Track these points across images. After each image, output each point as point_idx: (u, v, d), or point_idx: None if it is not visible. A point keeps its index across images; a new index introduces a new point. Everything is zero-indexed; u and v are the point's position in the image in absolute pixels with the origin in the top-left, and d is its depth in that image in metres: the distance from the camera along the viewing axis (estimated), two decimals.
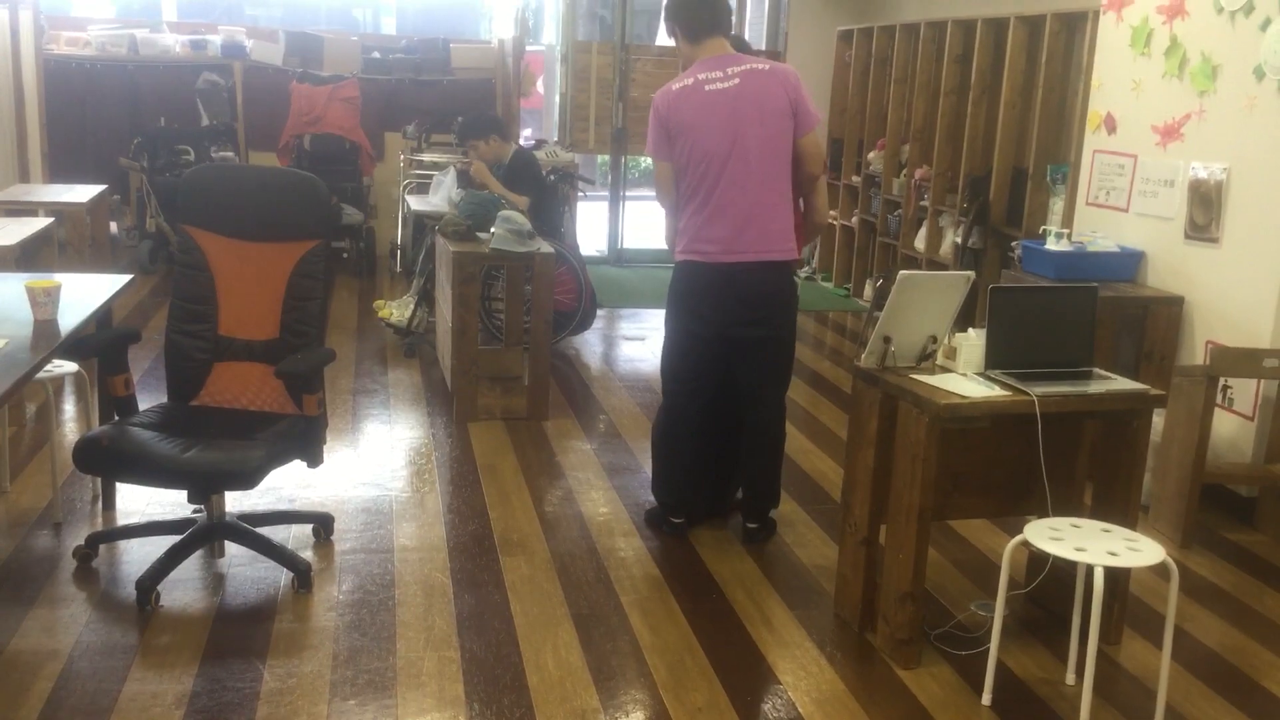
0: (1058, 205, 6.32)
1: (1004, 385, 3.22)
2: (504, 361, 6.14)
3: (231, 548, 3.82)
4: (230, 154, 8.89)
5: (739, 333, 4.00)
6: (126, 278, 4.14)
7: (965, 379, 3.28)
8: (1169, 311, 4.90)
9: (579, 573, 3.84)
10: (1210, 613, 3.79)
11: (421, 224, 7.90)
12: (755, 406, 4.13)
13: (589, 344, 7.14)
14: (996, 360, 3.33)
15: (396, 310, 6.74)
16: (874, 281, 8.45)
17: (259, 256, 3.79)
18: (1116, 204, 5.36)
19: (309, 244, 3.78)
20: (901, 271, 3.24)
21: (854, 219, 8.98)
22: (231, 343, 3.82)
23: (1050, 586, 3.63)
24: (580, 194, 8.49)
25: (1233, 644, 3.59)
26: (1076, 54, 6.34)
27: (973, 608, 3.70)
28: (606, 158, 10.19)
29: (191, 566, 3.70)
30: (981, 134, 7.14)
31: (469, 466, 4.79)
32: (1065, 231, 5.32)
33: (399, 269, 8.89)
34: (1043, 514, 3.45)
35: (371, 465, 4.74)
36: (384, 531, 4.08)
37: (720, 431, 4.22)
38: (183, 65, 9.33)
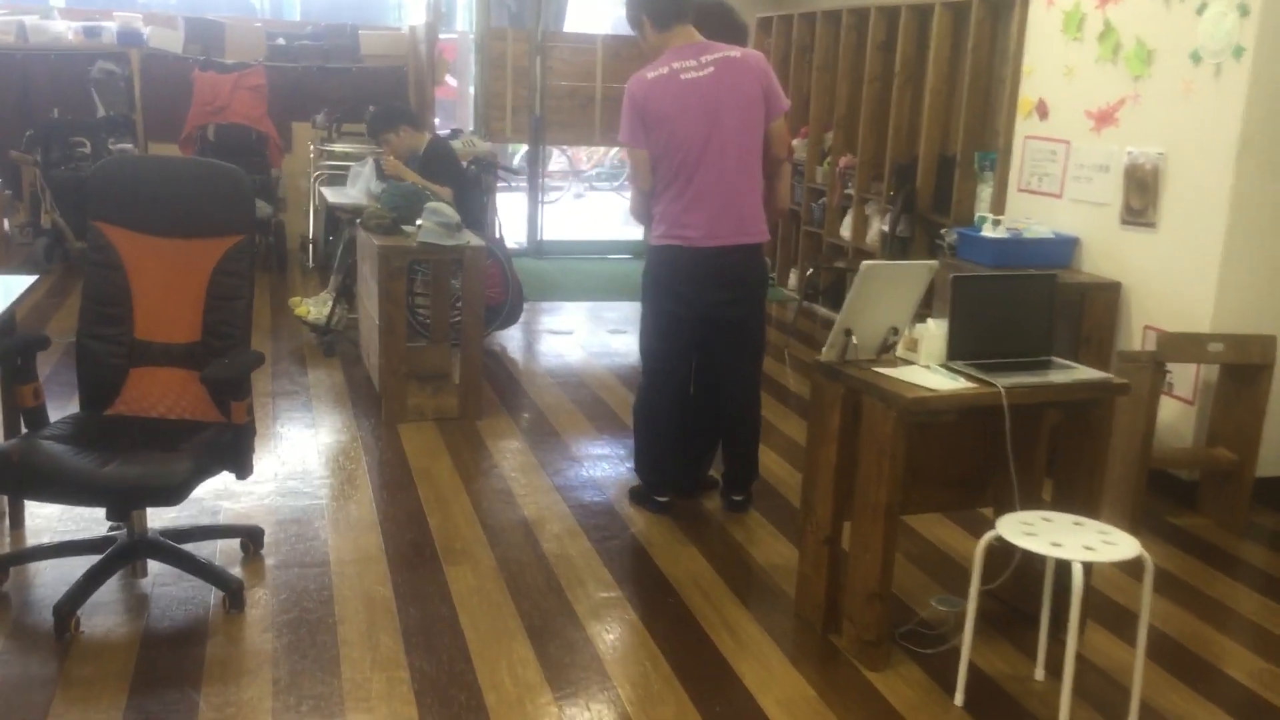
0: (986, 192, 6.30)
1: (969, 377, 3.14)
2: (431, 359, 5.93)
3: (155, 566, 3.57)
4: (129, 146, 8.48)
5: (717, 313, 4.08)
6: (29, 279, 3.86)
7: (929, 371, 3.19)
8: (1106, 297, 4.89)
9: (528, 580, 3.67)
10: (1165, 599, 3.77)
11: (335, 217, 7.64)
12: (733, 384, 4.24)
13: (514, 339, 6.95)
14: (959, 351, 3.25)
15: (314, 308, 6.47)
16: (803, 272, 8.40)
17: (177, 254, 3.55)
18: (1049, 190, 5.35)
19: (231, 240, 3.54)
20: (865, 262, 3.14)
21: None
22: (149, 347, 3.56)
23: (1010, 580, 3.57)
24: (505, 184, 8.26)
25: (1191, 631, 3.56)
26: (1002, 40, 6.32)
27: (934, 603, 3.62)
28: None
29: (112, 588, 3.45)
30: (906, 121, 7.11)
31: (402, 470, 4.58)
32: (1000, 219, 5.28)
33: (311, 264, 8.59)
34: (1005, 507, 3.38)
35: (298, 472, 4.51)
36: (317, 543, 3.87)
37: (694, 413, 4.32)
38: (76, 53, 8.87)
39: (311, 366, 6.02)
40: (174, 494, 3.14)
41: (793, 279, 8.60)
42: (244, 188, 3.58)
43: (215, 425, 3.46)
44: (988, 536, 2.94)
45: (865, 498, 3.16)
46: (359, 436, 4.95)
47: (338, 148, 8.61)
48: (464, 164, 6.81)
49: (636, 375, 6.12)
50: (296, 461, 4.62)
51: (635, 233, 10.61)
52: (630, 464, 4.69)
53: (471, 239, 5.24)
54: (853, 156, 7.67)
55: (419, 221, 5.27)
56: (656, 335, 4.22)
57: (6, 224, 8.63)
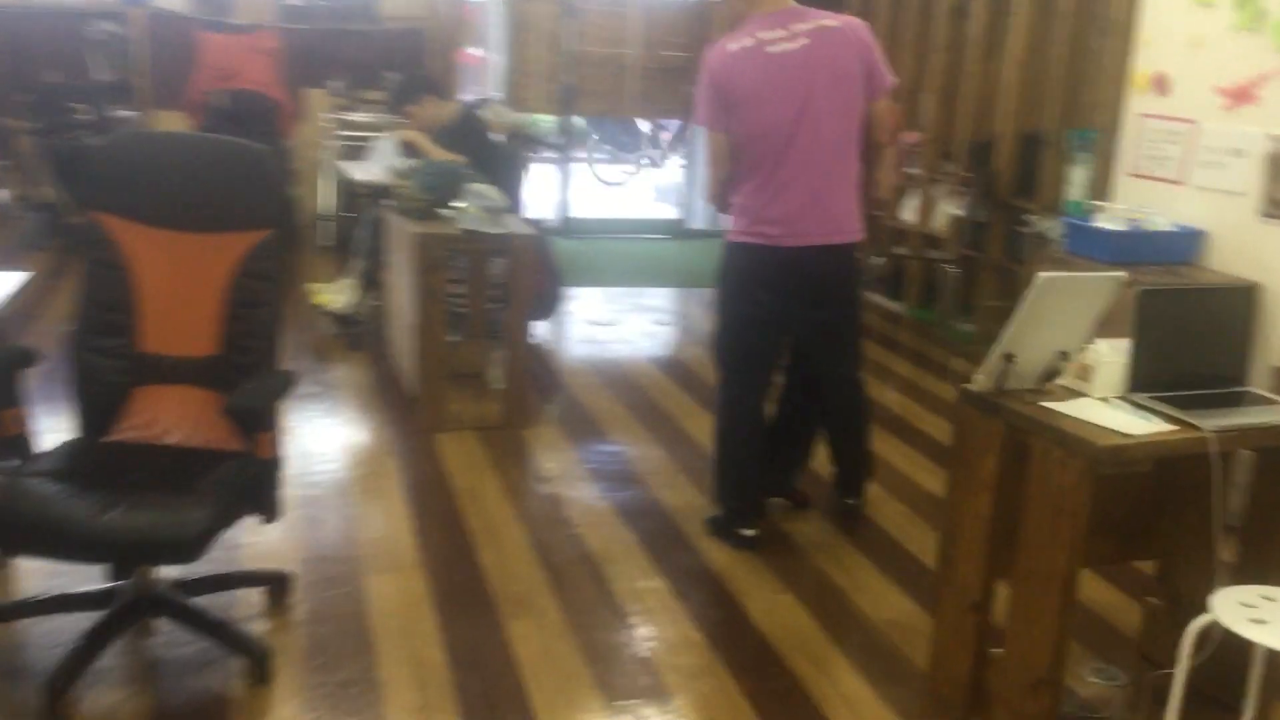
0: (1078, 175, 5.70)
1: (1163, 416, 2.56)
2: (465, 356, 5.33)
3: (165, 622, 3.00)
4: (131, 113, 7.87)
5: (803, 318, 3.67)
6: (19, 276, 3.28)
7: (1110, 407, 2.61)
8: None
9: (604, 639, 3.11)
10: None
11: (353, 192, 7.07)
12: (834, 389, 3.85)
13: (553, 331, 6.36)
14: (1143, 380, 2.67)
15: (335, 295, 5.89)
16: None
17: (192, 251, 2.97)
18: (1168, 175, 4.73)
19: (257, 235, 2.96)
20: (1041, 274, 2.55)
21: None
22: (158, 361, 2.99)
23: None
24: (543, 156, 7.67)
25: None
26: (1100, 3, 5.69)
27: (1091, 678, 3.04)
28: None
29: (115, 653, 2.88)
30: (982, 95, 6.49)
31: (445, 493, 4.01)
32: (1107, 206, 4.68)
33: (326, 243, 8.00)
34: (1185, 566, 2.82)
35: (326, 495, 3.94)
36: (352, 587, 3.30)
37: (788, 417, 3.93)
38: (74, 12, 8.24)
39: (335, 363, 5.43)
40: (190, 550, 2.57)
41: None
42: (271, 172, 3.01)
43: (237, 457, 2.88)
44: (1201, 621, 2.36)
45: (1033, 562, 2.59)
46: (393, 449, 4.37)
47: (355, 117, 8.01)
48: (498, 138, 6.21)
49: (690, 374, 5.58)
50: (324, 482, 4.05)
51: (668, 211, 10.02)
52: (698, 482, 4.15)
53: (519, 226, 4.65)
54: (918, 133, 7.05)
55: (458, 204, 4.68)
56: (735, 343, 3.73)
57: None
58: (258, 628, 3.05)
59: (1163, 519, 3.03)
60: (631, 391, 5.28)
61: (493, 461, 4.31)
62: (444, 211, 4.75)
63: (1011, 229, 6.22)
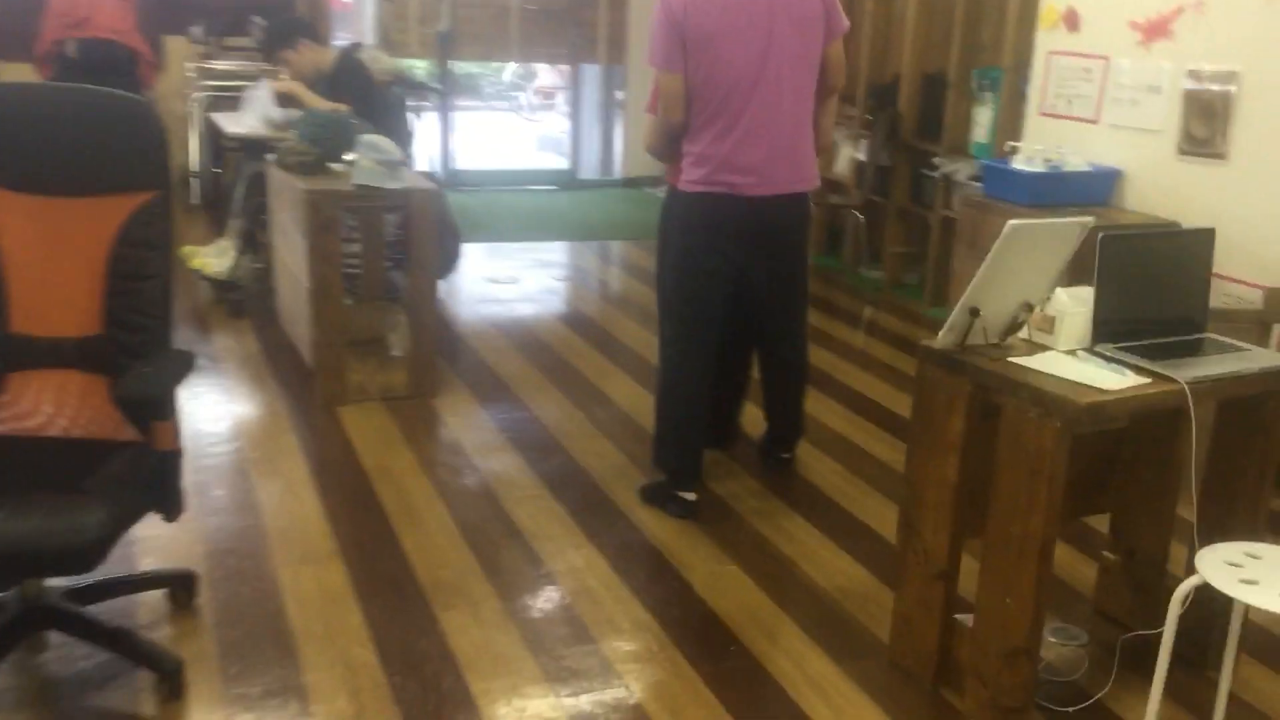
0: (984, 115, 5.63)
1: (1136, 369, 2.45)
2: (361, 322, 5.01)
3: (59, 635, 2.69)
4: None
5: (759, 267, 3.55)
6: None
7: (1078, 360, 2.50)
8: None
9: (546, 626, 2.90)
10: None
11: (221, 146, 6.64)
12: (783, 343, 3.78)
13: (452, 290, 6.05)
14: (1107, 330, 2.56)
15: (212, 258, 5.49)
16: None
17: (64, 218, 2.62)
18: (1082, 114, 4.68)
19: (139, 198, 2.62)
20: (1011, 221, 2.40)
21: None
22: (31, 343, 2.64)
23: (1135, 602, 2.95)
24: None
25: None
26: None
27: (1051, 638, 2.95)
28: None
29: (3, 674, 2.57)
30: (882, 35, 6.36)
31: (355, 472, 3.73)
32: (1019, 146, 4.60)
33: (196, 201, 7.51)
34: (1133, 524, 2.74)
35: (223, 480, 3.62)
36: (265, 584, 3.02)
37: (728, 370, 3.82)
38: None
39: (217, 332, 5.06)
40: (87, 558, 2.28)
41: None
42: (154, 126, 2.66)
43: (130, 448, 2.58)
44: (1190, 583, 2.26)
45: (1007, 528, 2.46)
46: (292, 426, 4.06)
47: (221, 65, 7.51)
48: (383, 84, 5.84)
49: (598, 330, 5.37)
50: (219, 466, 3.73)
51: (557, 161, 9.74)
52: (621, 445, 3.98)
53: (418, 180, 4.35)
54: None
55: (349, 157, 4.35)
56: (688, 298, 3.55)
57: None
58: (163, 635, 2.75)
59: (1116, 472, 2.95)
60: (540, 351, 5.04)
61: (403, 434, 4.03)
62: (333, 165, 4.42)
63: (917, 172, 6.13)
